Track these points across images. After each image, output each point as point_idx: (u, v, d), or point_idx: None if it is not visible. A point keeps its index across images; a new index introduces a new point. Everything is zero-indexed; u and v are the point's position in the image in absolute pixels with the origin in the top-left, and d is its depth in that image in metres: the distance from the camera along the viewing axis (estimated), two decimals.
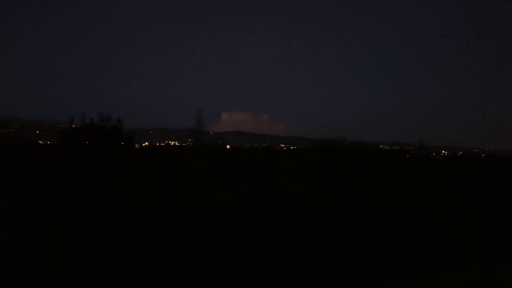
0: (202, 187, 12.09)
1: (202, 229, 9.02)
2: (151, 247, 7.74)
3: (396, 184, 14.20)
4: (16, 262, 6.19)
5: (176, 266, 6.94)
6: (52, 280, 6.05)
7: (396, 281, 6.65)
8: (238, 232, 8.94)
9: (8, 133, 14.99)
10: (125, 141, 15.44)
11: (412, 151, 26.15)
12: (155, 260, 7.05)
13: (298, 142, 51.38)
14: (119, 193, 10.97)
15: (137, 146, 19.00)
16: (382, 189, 13.20)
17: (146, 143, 26.83)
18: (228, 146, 24.02)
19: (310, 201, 11.24)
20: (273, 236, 8.87)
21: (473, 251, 8.30)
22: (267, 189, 12.17)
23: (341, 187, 12.85)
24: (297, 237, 8.94)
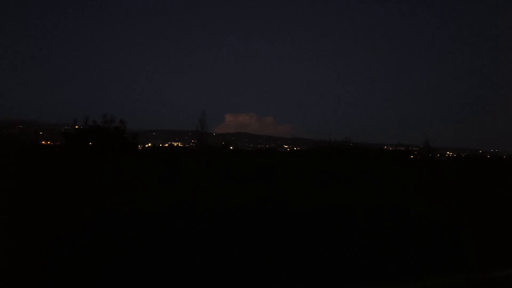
0: (204, 187, 12.07)
1: (204, 229, 8.99)
2: (153, 248, 7.73)
3: (400, 185, 14.09)
4: (17, 262, 6.21)
5: (177, 266, 6.93)
6: (53, 281, 6.06)
7: (396, 282, 6.59)
8: (239, 232, 8.90)
9: (11, 134, 15.13)
10: (128, 142, 15.54)
11: (417, 152, 25.95)
12: (157, 261, 7.04)
13: (302, 143, 51.33)
14: (121, 194, 10.98)
15: (140, 147, 19.10)
16: (383, 189, 13.09)
17: (149, 144, 26.96)
18: (231, 147, 24.02)
19: (310, 201, 11.19)
20: (275, 236, 8.82)
21: (476, 253, 8.19)
22: (267, 189, 12.17)
23: (340, 187, 12.78)
24: (298, 238, 8.88)
